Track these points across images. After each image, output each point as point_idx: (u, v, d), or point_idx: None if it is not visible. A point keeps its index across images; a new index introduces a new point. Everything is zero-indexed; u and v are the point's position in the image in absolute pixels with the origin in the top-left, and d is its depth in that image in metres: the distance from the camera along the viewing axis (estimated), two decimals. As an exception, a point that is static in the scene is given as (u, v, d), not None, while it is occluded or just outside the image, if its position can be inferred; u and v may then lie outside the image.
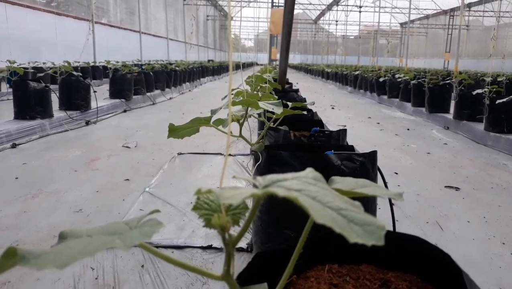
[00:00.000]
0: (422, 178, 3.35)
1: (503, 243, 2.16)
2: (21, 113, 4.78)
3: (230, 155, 3.82)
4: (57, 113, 5.27)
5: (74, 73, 5.82)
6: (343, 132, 1.87)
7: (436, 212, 2.57)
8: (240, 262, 1.83)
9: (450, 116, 6.13)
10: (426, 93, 6.75)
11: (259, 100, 1.75)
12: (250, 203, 0.53)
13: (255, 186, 0.49)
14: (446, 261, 0.65)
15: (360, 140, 4.84)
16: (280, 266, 0.62)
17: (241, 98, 1.78)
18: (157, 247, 1.99)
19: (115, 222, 0.51)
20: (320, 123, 2.10)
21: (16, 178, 3.05)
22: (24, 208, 2.45)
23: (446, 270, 0.65)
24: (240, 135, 1.40)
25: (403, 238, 0.72)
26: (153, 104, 8.02)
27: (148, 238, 0.41)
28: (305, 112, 1.65)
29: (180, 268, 1.77)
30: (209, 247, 2.00)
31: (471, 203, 2.78)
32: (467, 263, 1.94)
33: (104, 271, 1.75)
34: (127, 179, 3.08)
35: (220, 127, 1.51)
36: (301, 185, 0.45)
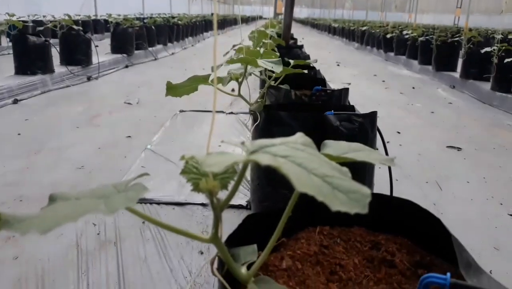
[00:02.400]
0: (425, 138, 3.34)
1: (501, 204, 2.18)
2: (21, 68, 4.73)
3: (231, 113, 3.80)
4: (58, 68, 5.22)
5: (75, 27, 5.70)
6: (345, 91, 1.84)
7: (436, 172, 2.58)
8: (239, 220, 1.87)
9: (457, 74, 6.02)
10: (434, 51, 6.60)
11: (260, 58, 1.71)
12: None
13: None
14: (436, 224, 0.65)
15: (364, 99, 4.79)
16: (271, 228, 0.63)
17: (241, 55, 1.74)
18: (158, 204, 2.03)
19: (104, 185, 0.51)
20: (322, 81, 2.07)
21: (19, 134, 3.06)
22: (27, 164, 2.48)
23: (436, 234, 0.65)
24: (239, 94, 1.38)
25: (395, 202, 0.72)
26: (155, 59, 7.91)
27: (133, 203, 0.41)
28: (305, 71, 1.62)
29: (182, 224, 1.79)
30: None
31: (472, 164, 2.78)
32: (464, 223, 1.97)
33: (106, 227, 1.79)
34: (129, 136, 3.09)
35: (220, 85, 1.48)
36: (288, 151, 0.44)
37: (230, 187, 0.50)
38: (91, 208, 0.40)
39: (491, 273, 1.57)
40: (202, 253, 1.62)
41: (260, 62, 1.26)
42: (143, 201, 2.02)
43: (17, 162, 2.50)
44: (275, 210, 0.68)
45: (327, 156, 0.49)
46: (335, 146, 0.59)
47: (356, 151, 0.58)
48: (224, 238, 1.60)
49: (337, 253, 0.66)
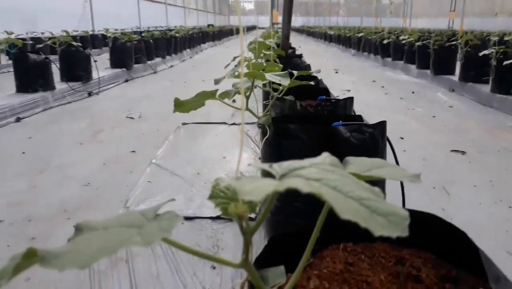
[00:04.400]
0: (428, 143, 3.34)
1: (510, 207, 2.17)
2: (23, 86, 4.74)
3: (234, 124, 3.81)
4: (59, 84, 5.23)
5: (74, 43, 5.73)
6: (350, 100, 1.84)
7: (443, 177, 2.58)
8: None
9: (455, 78, 6.03)
10: (431, 55, 6.62)
11: (263, 70, 1.72)
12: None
13: (269, 174, 0.48)
14: (462, 238, 0.65)
15: (365, 105, 4.80)
16: (296, 248, 0.62)
17: (245, 68, 1.75)
18: (166, 218, 2.02)
19: (130, 212, 0.51)
20: (326, 91, 2.07)
21: (23, 152, 3.06)
22: (33, 183, 2.47)
23: (462, 248, 0.65)
24: (247, 108, 1.38)
25: (418, 215, 0.71)
26: (155, 72, 7.94)
27: (168, 233, 0.41)
28: (312, 83, 1.62)
29: (192, 239, 1.78)
30: (218, 217, 2.02)
31: (477, 167, 2.78)
32: (474, 228, 1.96)
33: (116, 244, 1.77)
34: (133, 151, 3.08)
35: (226, 99, 1.48)
36: (320, 174, 0.44)
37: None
38: (126, 240, 0.40)
39: (505, 279, 1.56)
40: (214, 268, 1.61)
41: (268, 76, 1.27)
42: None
43: (23, 181, 2.50)
44: (296, 230, 0.67)
45: (354, 175, 0.49)
46: (358, 163, 0.59)
47: (380, 167, 0.58)
48: (226, 250, 1.59)
49: (363, 270, 0.65)
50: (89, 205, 2.19)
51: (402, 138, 3.43)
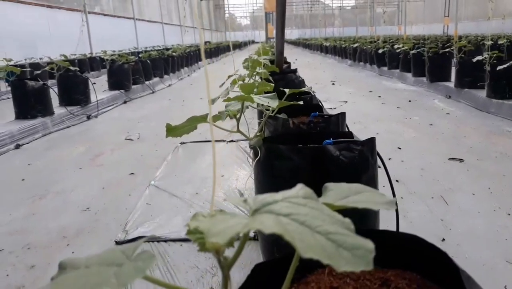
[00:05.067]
0: (426, 152, 3.35)
1: (509, 214, 2.17)
2: (22, 113, 4.79)
3: (232, 141, 3.83)
4: (58, 109, 5.28)
5: (71, 68, 5.80)
6: (342, 116, 1.86)
7: (441, 186, 2.58)
8: (247, 252, 1.86)
9: (451, 84, 6.07)
10: (426, 63, 6.67)
11: (256, 88, 1.74)
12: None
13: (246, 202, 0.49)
14: (444, 259, 0.66)
15: (362, 116, 4.82)
16: (280, 276, 0.63)
17: (237, 87, 1.77)
18: (165, 241, 2.02)
19: (112, 249, 0.52)
20: (319, 107, 2.09)
21: (23, 179, 3.08)
22: (32, 210, 2.48)
23: (444, 268, 0.66)
24: (238, 130, 1.40)
25: (402, 237, 0.72)
26: (153, 92, 8.00)
27: (142, 273, 0.42)
28: (301, 103, 1.64)
29: (191, 261, 1.78)
30: (217, 238, 2.02)
31: (476, 175, 2.78)
32: (473, 237, 1.95)
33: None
34: (132, 173, 3.10)
35: (218, 122, 1.51)
36: (290, 208, 0.45)
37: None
38: (102, 282, 0.41)
39: (505, 288, 1.55)
40: (213, 291, 1.61)
41: (256, 98, 1.29)
42: (151, 239, 2.02)
43: (22, 209, 2.51)
44: (281, 257, 0.68)
45: (328, 206, 0.50)
46: (336, 190, 0.60)
47: (358, 193, 0.60)
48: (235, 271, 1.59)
49: (348, 294, 0.66)
50: (88, 230, 2.20)
51: (399, 148, 3.43)
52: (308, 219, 0.43)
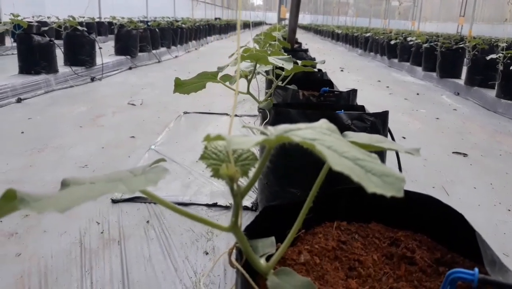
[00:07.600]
0: (430, 143, 3.32)
1: (509, 210, 2.15)
2: (25, 68, 4.73)
3: (236, 115, 3.79)
4: (62, 68, 5.21)
5: (79, 27, 5.71)
6: (353, 93, 1.82)
7: (443, 178, 2.56)
8: (245, 220, 1.84)
9: (461, 81, 6.00)
10: (438, 58, 6.59)
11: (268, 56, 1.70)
12: (258, 154, 0.50)
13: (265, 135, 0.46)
14: (459, 221, 0.63)
15: (368, 104, 4.73)
16: (288, 221, 0.61)
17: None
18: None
19: (119, 170, 0.49)
20: (330, 83, 2.05)
21: (22, 132, 3.05)
22: (30, 162, 2.46)
23: (458, 230, 0.63)
24: (248, 92, 1.36)
25: (415, 197, 0.70)
26: (159, 62, 7.91)
27: (154, 184, 0.39)
28: (315, 69, 1.60)
29: (186, 224, 1.77)
30: (214, 205, 2.00)
31: (479, 170, 2.75)
32: (471, 228, 1.94)
33: (110, 225, 1.76)
34: (133, 136, 3.07)
35: (227, 83, 1.47)
36: (316, 135, 0.42)
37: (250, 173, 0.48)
38: (110, 188, 0.38)
39: (501, 278, 1.54)
40: (207, 253, 1.60)
41: (271, 59, 1.25)
42: (147, 200, 2.00)
43: (20, 160, 2.49)
44: (290, 203, 0.66)
45: (353, 143, 0.47)
46: (356, 136, 0.57)
47: (379, 142, 0.57)
48: (220, 236, 1.56)
49: (356, 249, 0.64)
50: (86, 186, 2.18)
51: (404, 138, 3.40)
52: (334, 145, 0.40)
